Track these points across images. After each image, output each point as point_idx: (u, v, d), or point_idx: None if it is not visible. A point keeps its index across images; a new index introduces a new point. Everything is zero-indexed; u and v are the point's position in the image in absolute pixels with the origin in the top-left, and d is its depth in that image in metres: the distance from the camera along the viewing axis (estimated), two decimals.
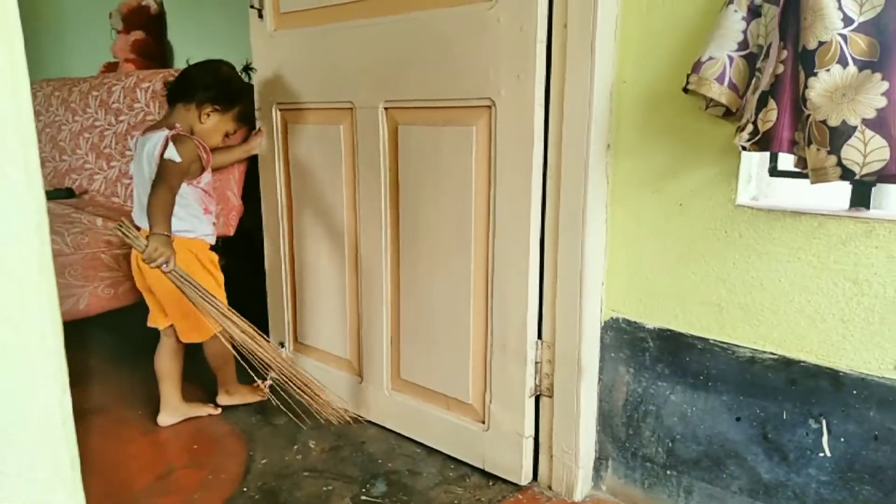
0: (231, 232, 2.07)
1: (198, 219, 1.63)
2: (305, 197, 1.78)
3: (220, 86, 1.61)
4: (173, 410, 1.73)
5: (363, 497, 1.42)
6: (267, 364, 1.54)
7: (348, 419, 1.65)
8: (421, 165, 1.48)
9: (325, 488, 1.45)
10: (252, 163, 1.91)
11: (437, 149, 1.44)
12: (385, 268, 1.60)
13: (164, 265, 1.43)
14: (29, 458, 0.61)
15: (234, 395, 1.82)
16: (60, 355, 0.61)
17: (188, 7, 2.87)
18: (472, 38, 1.33)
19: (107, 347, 2.26)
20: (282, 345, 1.95)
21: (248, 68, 1.74)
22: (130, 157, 2.09)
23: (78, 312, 1.73)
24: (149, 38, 2.86)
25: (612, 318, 1.35)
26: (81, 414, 1.71)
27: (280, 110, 1.79)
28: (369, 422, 1.73)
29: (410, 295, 1.57)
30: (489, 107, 1.34)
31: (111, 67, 3.01)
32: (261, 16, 1.76)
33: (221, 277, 1.71)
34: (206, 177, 1.63)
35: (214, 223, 1.70)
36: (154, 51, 2.90)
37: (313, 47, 1.64)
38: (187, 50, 2.83)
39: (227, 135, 1.70)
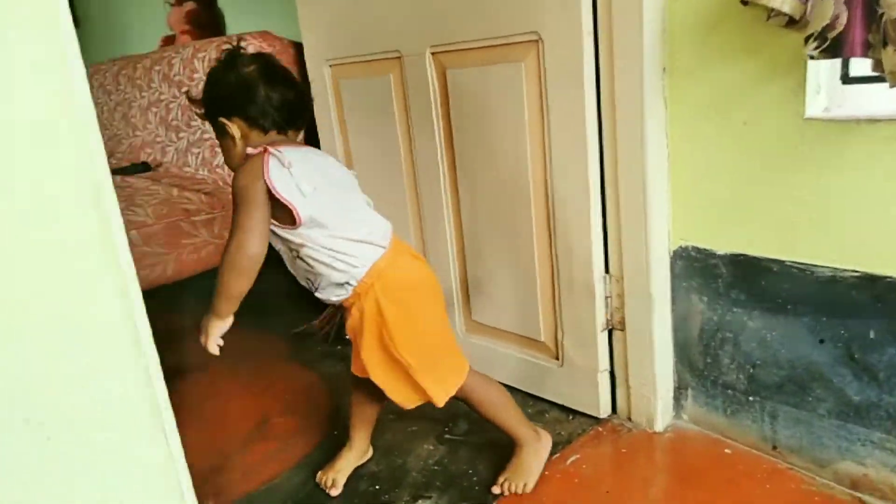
0: None
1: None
2: (361, 150, 1.80)
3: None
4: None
5: (447, 436, 1.48)
6: None
7: None
8: (472, 108, 1.45)
9: (409, 429, 1.52)
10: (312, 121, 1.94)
11: (486, 90, 1.41)
12: (447, 214, 1.61)
13: None
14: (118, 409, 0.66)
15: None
16: (134, 319, 0.66)
17: None
18: None
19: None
20: None
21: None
22: (197, 127, 2.17)
23: (166, 278, 1.85)
24: (200, 7, 2.90)
25: (680, 247, 1.31)
26: (181, 371, 1.85)
27: (330, 66, 1.79)
28: None
29: (475, 240, 1.58)
30: (536, 41, 1.29)
31: (169, 41, 3.08)
32: None
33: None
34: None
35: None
36: (207, 20, 2.94)
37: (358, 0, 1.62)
38: (237, 16, 2.86)
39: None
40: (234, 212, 1.05)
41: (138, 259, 1.83)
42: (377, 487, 1.33)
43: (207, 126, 1.19)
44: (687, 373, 1.38)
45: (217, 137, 1.17)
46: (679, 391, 1.41)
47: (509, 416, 1.30)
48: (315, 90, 1.85)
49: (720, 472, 1.27)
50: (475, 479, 1.33)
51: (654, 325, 1.34)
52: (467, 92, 1.45)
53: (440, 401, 1.20)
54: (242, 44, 1.18)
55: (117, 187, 2.04)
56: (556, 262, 1.42)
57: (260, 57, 1.15)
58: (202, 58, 2.15)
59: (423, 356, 1.17)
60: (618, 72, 1.22)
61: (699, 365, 1.36)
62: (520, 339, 1.58)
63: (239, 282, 1.04)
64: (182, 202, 1.88)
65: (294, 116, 1.15)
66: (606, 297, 1.39)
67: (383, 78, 1.63)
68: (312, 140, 1.94)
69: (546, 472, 1.31)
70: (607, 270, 1.38)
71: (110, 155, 2.90)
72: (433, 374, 1.19)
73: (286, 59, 1.98)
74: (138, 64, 2.62)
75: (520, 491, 1.26)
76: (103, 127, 2.94)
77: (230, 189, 1.09)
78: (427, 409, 1.59)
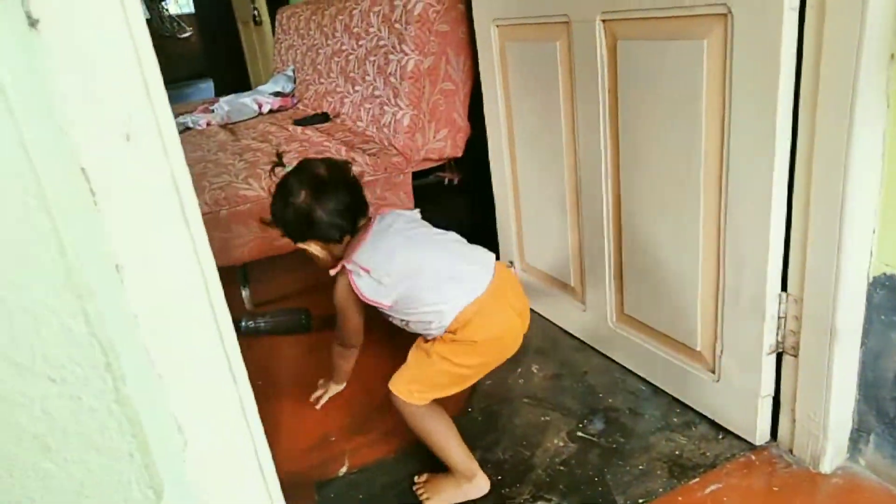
0: (459, 153, 2.09)
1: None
2: (524, 117, 1.70)
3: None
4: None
5: (579, 433, 1.42)
6: None
7: None
8: (643, 86, 1.29)
9: (542, 418, 1.48)
10: (476, 82, 1.87)
11: (660, 67, 1.23)
12: (606, 195, 1.48)
13: None
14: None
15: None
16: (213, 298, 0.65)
17: None
18: None
19: None
20: (511, 263, 1.97)
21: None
22: (370, 83, 2.20)
23: None
24: None
25: (884, 274, 1.08)
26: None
27: (497, 27, 1.69)
28: (594, 349, 1.69)
29: (633, 226, 1.44)
30: (724, 14, 1.09)
31: None
32: None
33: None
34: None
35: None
36: None
37: None
38: None
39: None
40: (337, 315, 1.32)
41: None
42: (499, 478, 1.32)
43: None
44: (872, 416, 1.17)
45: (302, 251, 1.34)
46: (858, 433, 1.20)
47: (451, 450, 1.27)
48: (481, 48, 1.77)
49: None
50: (600, 488, 1.26)
51: (836, 358, 1.14)
52: (639, 67, 1.28)
53: (392, 380, 1.26)
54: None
55: (297, 140, 2.14)
56: (722, 268, 1.25)
57: (305, 174, 1.26)
58: (377, 12, 2.15)
59: (422, 374, 1.24)
60: (826, 57, 0.99)
61: (890, 411, 1.14)
62: (673, 342, 1.44)
63: (347, 362, 1.48)
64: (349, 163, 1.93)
65: (358, 214, 1.29)
66: (780, 318, 1.20)
67: (549, 44, 1.50)
68: (477, 96, 1.88)
69: (679, 499, 1.21)
70: (784, 288, 1.18)
71: (298, 100, 3.07)
72: (410, 380, 1.25)
73: (454, 16, 1.90)
74: (325, 10, 2.70)
75: (421, 498, 1.28)
76: (296, 70, 3.10)
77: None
78: (565, 399, 1.53)
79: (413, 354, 1.28)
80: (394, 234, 1.26)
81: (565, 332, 1.79)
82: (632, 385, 1.55)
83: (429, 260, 1.23)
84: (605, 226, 1.51)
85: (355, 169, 1.72)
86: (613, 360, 1.63)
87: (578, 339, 1.75)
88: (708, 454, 1.31)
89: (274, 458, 1.58)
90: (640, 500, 1.22)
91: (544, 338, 1.80)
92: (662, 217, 1.35)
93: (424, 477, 1.33)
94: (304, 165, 1.28)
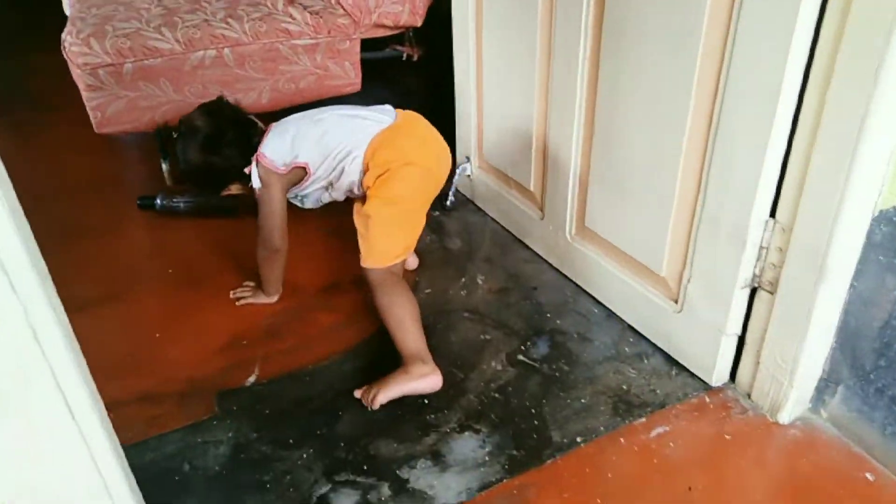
0: (418, 22, 1.80)
1: None
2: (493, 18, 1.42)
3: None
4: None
5: (520, 356, 1.27)
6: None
7: None
8: None
9: (481, 336, 1.33)
10: None
11: None
12: (580, 88, 1.25)
13: None
14: None
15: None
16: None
17: None
18: None
19: None
20: (467, 159, 1.75)
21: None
22: None
23: (261, 107, 1.67)
24: None
25: (893, 208, 0.90)
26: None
27: None
28: (547, 263, 1.52)
29: (607, 128, 1.23)
30: None
31: None
32: None
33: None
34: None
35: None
36: None
37: None
38: None
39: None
40: (259, 215, 1.33)
41: (230, 83, 1.67)
42: (425, 402, 1.17)
43: None
44: (845, 367, 1.03)
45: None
46: (826, 384, 1.07)
47: (408, 332, 1.18)
48: None
49: (850, 500, 0.97)
50: (535, 422, 1.13)
51: (819, 298, 0.98)
52: None
53: (363, 260, 1.26)
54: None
55: None
56: (704, 185, 1.06)
57: (189, 135, 1.32)
58: None
59: (378, 232, 1.25)
60: None
61: (866, 363, 1.00)
62: (635, 264, 1.27)
63: (274, 270, 1.39)
64: (285, 20, 1.63)
65: (251, 137, 1.32)
66: (762, 248, 1.03)
67: None
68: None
69: (620, 440, 1.08)
70: (773, 214, 1.00)
71: None
72: (373, 245, 1.25)
73: None
74: None
75: (365, 400, 1.14)
76: None
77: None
78: (509, 317, 1.38)
79: (358, 223, 1.28)
80: (288, 122, 1.34)
81: (518, 240, 1.61)
82: (584, 306, 1.39)
83: (327, 114, 1.32)
84: (576, 124, 1.29)
85: (293, 27, 1.53)
86: (567, 277, 1.47)
87: (532, 249, 1.57)
88: (658, 391, 1.18)
89: (174, 359, 1.37)
90: (578, 439, 1.09)
91: (493, 244, 1.62)
92: (641, 130, 1.14)
93: (366, 386, 1.17)
94: (185, 125, 1.33)
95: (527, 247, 1.58)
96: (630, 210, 1.23)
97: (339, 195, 1.36)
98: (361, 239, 1.27)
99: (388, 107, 1.35)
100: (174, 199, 1.76)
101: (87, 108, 1.56)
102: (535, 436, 1.10)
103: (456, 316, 1.38)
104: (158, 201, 1.75)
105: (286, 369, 1.26)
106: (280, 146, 1.29)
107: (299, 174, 1.31)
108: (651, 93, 1.10)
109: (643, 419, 1.12)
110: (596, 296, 1.39)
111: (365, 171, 1.26)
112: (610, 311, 1.36)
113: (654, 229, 1.18)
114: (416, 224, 1.30)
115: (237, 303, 1.42)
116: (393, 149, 1.25)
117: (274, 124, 1.35)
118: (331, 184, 1.33)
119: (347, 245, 1.35)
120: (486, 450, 1.08)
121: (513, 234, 1.62)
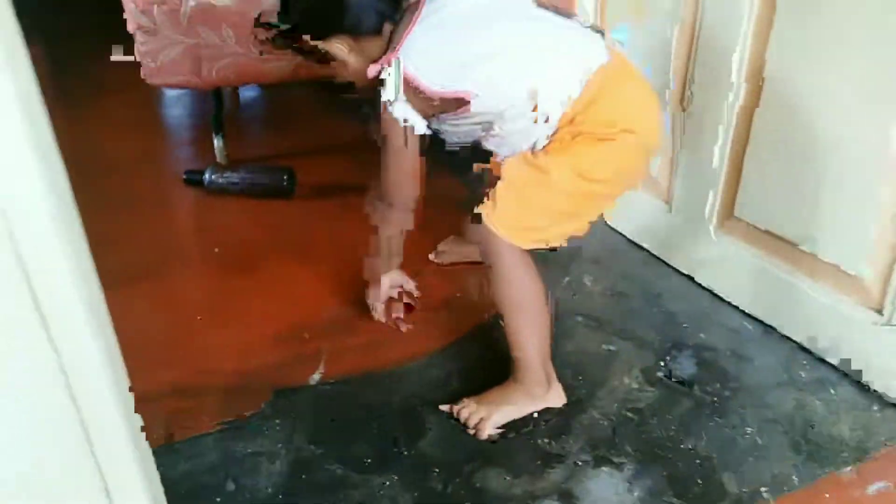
0: None
1: None
2: None
3: None
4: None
5: (660, 374, 0.98)
6: None
7: None
8: None
9: (605, 347, 1.04)
10: None
11: None
12: (743, 38, 0.98)
13: None
14: None
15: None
16: None
17: None
18: None
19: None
20: None
21: None
22: None
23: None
24: None
25: None
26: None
27: None
28: (667, 265, 1.23)
29: (780, 83, 0.95)
30: None
31: None
32: None
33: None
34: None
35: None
36: None
37: None
38: None
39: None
40: (382, 152, 0.92)
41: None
42: (534, 416, 0.88)
43: None
44: None
45: (317, 62, 0.93)
46: None
47: (533, 337, 0.89)
48: None
49: None
50: (697, 461, 0.83)
51: None
52: None
53: (496, 224, 0.85)
54: None
55: None
56: None
57: None
58: None
59: (535, 198, 0.87)
60: None
61: None
62: (816, 262, 0.97)
63: (395, 230, 1.01)
64: None
65: None
66: None
67: None
68: None
69: (826, 497, 0.78)
70: None
71: None
72: (518, 210, 0.86)
73: None
74: None
75: (469, 424, 0.87)
76: None
77: None
78: (636, 326, 1.08)
79: (514, 171, 0.87)
80: (457, 15, 0.87)
81: (628, 239, 1.32)
82: (731, 318, 1.10)
83: (514, 28, 0.87)
84: (734, 83, 1.02)
85: None
86: (698, 283, 1.17)
87: (646, 250, 1.28)
88: (860, 432, 0.88)
89: (217, 346, 1.09)
90: (764, 491, 0.79)
91: (598, 244, 1.31)
92: (840, 74, 0.86)
93: (464, 401, 0.90)
94: None
95: (639, 247, 1.29)
96: (809, 193, 0.94)
97: (483, 143, 0.93)
98: (504, 192, 0.86)
99: (586, 26, 0.90)
100: (224, 174, 1.54)
101: (137, 55, 1.35)
102: (699, 481, 0.80)
103: (569, 320, 1.10)
104: (207, 176, 1.53)
105: (358, 369, 0.99)
106: (435, 56, 0.86)
107: (451, 105, 0.87)
108: (857, 40, 0.82)
109: (848, 468, 0.81)
110: (743, 306, 1.10)
111: (560, 126, 0.84)
112: (768, 325, 1.06)
113: (849, 217, 0.90)
114: (593, 216, 0.90)
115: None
116: (618, 104, 0.85)
117: (426, 2, 0.88)
118: (490, 124, 0.88)
119: (443, 222, 1.09)
120: (636, 494, 0.78)
121: (620, 233, 1.33)
